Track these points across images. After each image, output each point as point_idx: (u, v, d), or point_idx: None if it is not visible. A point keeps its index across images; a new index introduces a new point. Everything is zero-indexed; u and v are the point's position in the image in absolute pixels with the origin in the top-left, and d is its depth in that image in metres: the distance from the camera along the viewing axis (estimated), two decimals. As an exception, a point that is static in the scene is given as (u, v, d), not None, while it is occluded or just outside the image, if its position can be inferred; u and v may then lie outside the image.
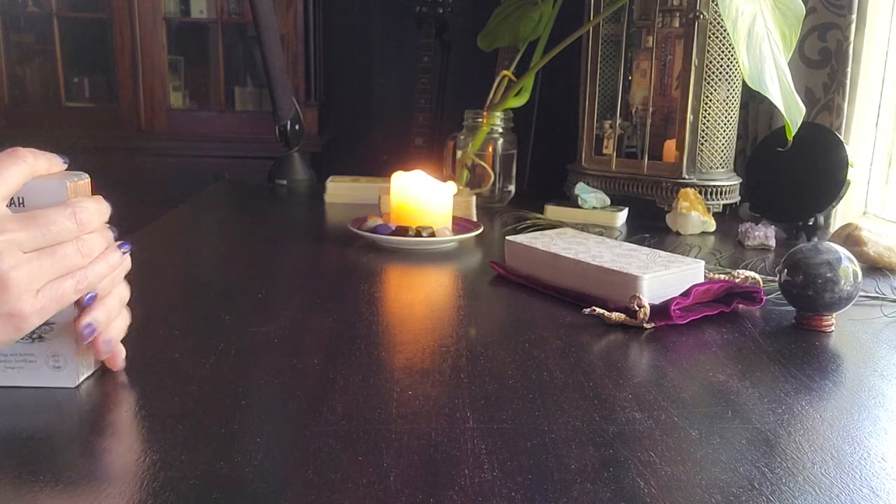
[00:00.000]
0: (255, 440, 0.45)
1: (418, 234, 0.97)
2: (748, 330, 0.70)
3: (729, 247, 1.05)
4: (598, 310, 0.69)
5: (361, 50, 2.23)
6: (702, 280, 0.76)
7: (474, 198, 1.20)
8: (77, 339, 0.50)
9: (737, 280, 0.75)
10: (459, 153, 1.31)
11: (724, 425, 0.49)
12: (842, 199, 1.07)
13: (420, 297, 0.83)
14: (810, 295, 0.67)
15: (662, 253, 0.81)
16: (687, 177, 1.18)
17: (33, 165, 0.48)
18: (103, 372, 0.55)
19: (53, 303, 0.47)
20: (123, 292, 0.54)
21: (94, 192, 0.51)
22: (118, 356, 0.54)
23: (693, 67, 1.15)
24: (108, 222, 0.51)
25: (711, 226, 1.13)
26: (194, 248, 1.01)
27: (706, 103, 1.17)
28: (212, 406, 0.50)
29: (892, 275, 0.90)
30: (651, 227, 1.13)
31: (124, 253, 0.52)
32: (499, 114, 1.29)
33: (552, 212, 1.19)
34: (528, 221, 1.14)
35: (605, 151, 1.28)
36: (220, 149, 2.18)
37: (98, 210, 0.49)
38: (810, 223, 1.07)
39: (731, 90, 1.18)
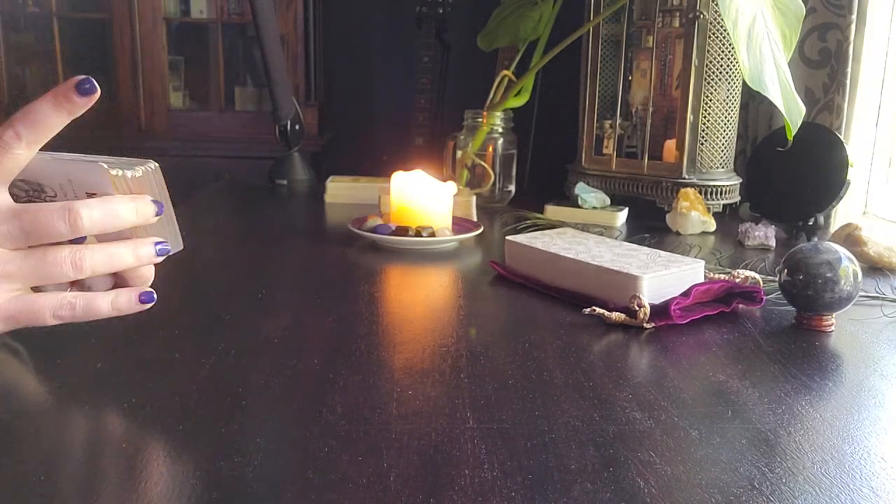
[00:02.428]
0: (255, 440, 0.45)
1: (418, 234, 0.97)
2: (748, 330, 0.69)
3: (729, 247, 1.05)
4: (598, 310, 0.69)
5: (361, 50, 2.23)
6: (702, 280, 0.76)
7: (474, 198, 1.20)
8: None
9: (737, 280, 0.75)
10: (459, 153, 1.31)
11: (724, 425, 0.49)
12: (842, 199, 1.07)
13: (420, 297, 0.83)
14: (810, 295, 0.67)
15: (662, 253, 0.81)
16: (687, 177, 1.18)
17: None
18: (102, 372, 0.55)
19: (23, 315, 0.41)
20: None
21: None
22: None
23: (693, 67, 1.14)
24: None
25: (711, 226, 1.13)
26: (194, 248, 1.01)
27: (706, 103, 1.17)
28: (212, 406, 0.50)
29: (892, 275, 0.90)
30: (651, 227, 1.13)
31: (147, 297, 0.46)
32: (499, 114, 1.29)
33: (552, 212, 1.19)
34: (528, 221, 1.14)
35: (605, 151, 1.28)
36: (220, 149, 2.17)
37: (107, 214, 0.41)
38: (810, 223, 1.07)
39: (731, 90, 1.18)
